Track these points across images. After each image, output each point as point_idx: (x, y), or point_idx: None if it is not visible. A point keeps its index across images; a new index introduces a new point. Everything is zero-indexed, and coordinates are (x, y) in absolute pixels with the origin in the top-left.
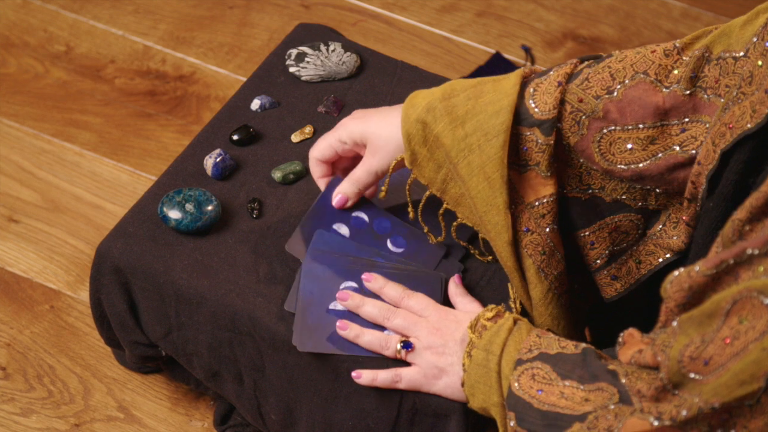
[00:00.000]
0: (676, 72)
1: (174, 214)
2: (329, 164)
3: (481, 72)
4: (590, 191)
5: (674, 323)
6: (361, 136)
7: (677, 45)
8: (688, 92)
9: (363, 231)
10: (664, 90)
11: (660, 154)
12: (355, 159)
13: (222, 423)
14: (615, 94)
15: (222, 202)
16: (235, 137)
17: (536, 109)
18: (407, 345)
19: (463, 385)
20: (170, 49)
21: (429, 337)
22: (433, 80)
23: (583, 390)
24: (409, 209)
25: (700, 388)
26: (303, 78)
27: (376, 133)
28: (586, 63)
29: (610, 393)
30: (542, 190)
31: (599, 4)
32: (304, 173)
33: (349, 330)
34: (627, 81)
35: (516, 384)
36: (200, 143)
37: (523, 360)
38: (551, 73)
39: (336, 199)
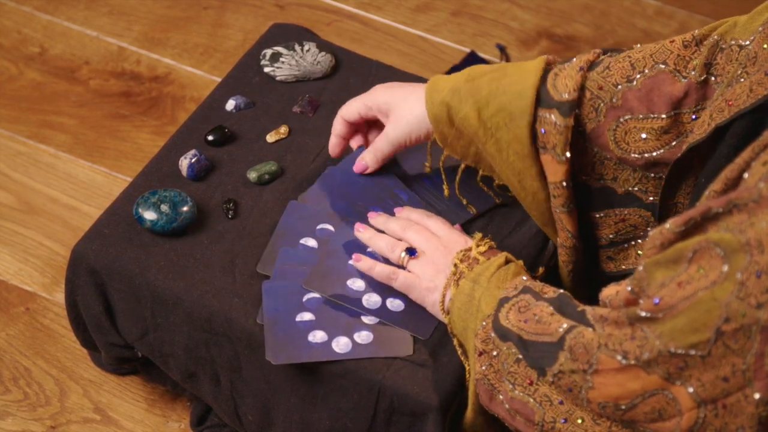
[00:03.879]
0: (694, 62)
1: (149, 215)
2: (351, 127)
3: (455, 71)
4: (602, 181)
5: (640, 268)
6: (385, 105)
7: (695, 36)
8: (702, 78)
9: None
10: (682, 80)
11: (674, 143)
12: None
13: (199, 424)
14: (634, 83)
15: (197, 203)
16: (210, 138)
17: (556, 91)
18: (412, 252)
19: (448, 313)
20: (145, 50)
21: (434, 252)
22: (408, 80)
23: (551, 311)
24: (444, 187)
25: (654, 326)
26: (278, 78)
27: (400, 105)
28: (609, 53)
29: (574, 323)
30: (554, 176)
31: (573, 2)
32: (280, 173)
33: (365, 231)
34: (647, 71)
35: (507, 320)
36: (175, 144)
37: (509, 297)
38: (574, 60)
39: (358, 165)
